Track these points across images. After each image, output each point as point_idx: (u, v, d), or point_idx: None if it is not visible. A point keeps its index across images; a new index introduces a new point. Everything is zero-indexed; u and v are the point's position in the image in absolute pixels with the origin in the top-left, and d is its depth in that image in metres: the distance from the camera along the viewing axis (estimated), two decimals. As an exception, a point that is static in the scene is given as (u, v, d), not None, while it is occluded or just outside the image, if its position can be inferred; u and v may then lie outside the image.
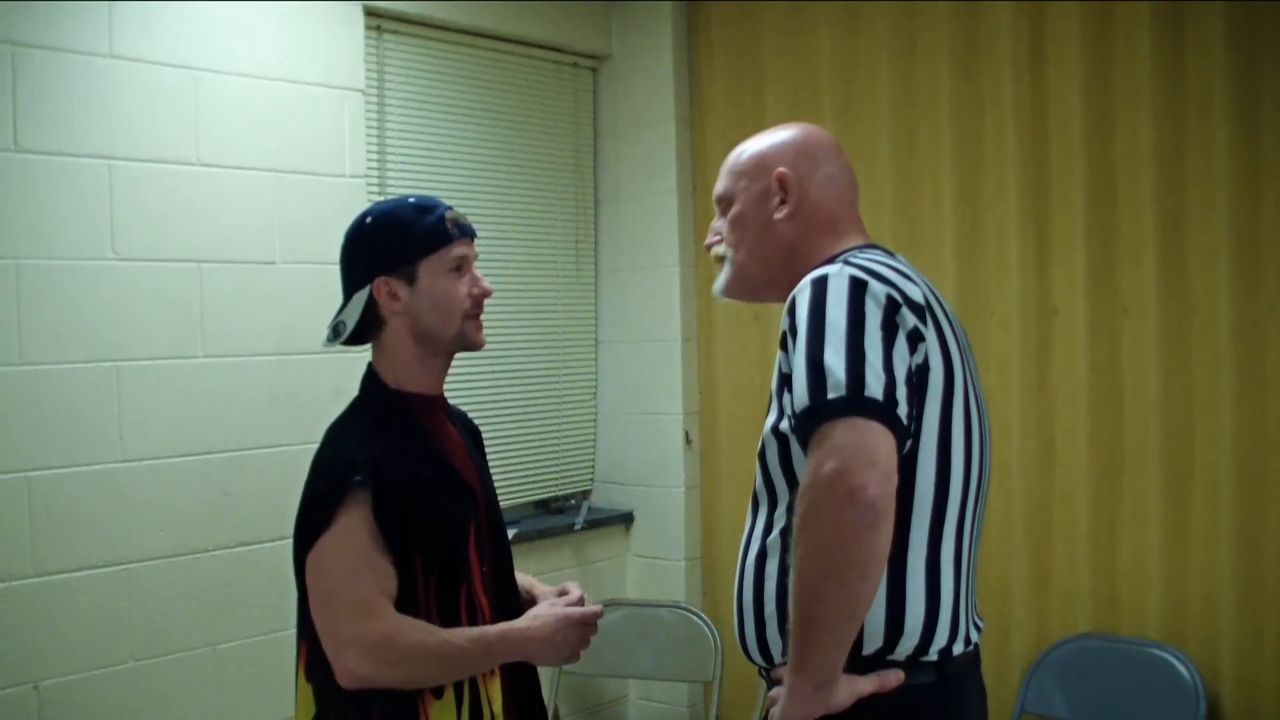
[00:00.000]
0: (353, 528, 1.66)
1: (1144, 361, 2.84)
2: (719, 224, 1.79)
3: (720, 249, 1.78)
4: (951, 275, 3.11)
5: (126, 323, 2.62)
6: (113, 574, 2.58)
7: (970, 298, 3.08)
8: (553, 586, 1.94)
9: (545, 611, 1.78)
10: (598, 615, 1.81)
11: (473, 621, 1.76)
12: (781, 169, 1.70)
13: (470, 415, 2.05)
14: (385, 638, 1.65)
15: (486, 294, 1.82)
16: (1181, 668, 2.75)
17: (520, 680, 1.87)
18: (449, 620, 1.74)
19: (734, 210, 1.75)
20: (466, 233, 1.80)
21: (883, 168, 3.24)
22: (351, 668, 1.65)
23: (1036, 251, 3.00)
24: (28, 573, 2.47)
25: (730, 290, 1.79)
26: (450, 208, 1.81)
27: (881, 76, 3.26)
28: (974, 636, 1.63)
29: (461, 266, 1.79)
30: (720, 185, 1.78)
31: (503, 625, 1.76)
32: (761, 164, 1.73)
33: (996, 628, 2.94)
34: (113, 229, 2.60)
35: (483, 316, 1.84)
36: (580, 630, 1.79)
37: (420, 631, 1.68)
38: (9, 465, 2.45)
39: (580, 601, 1.85)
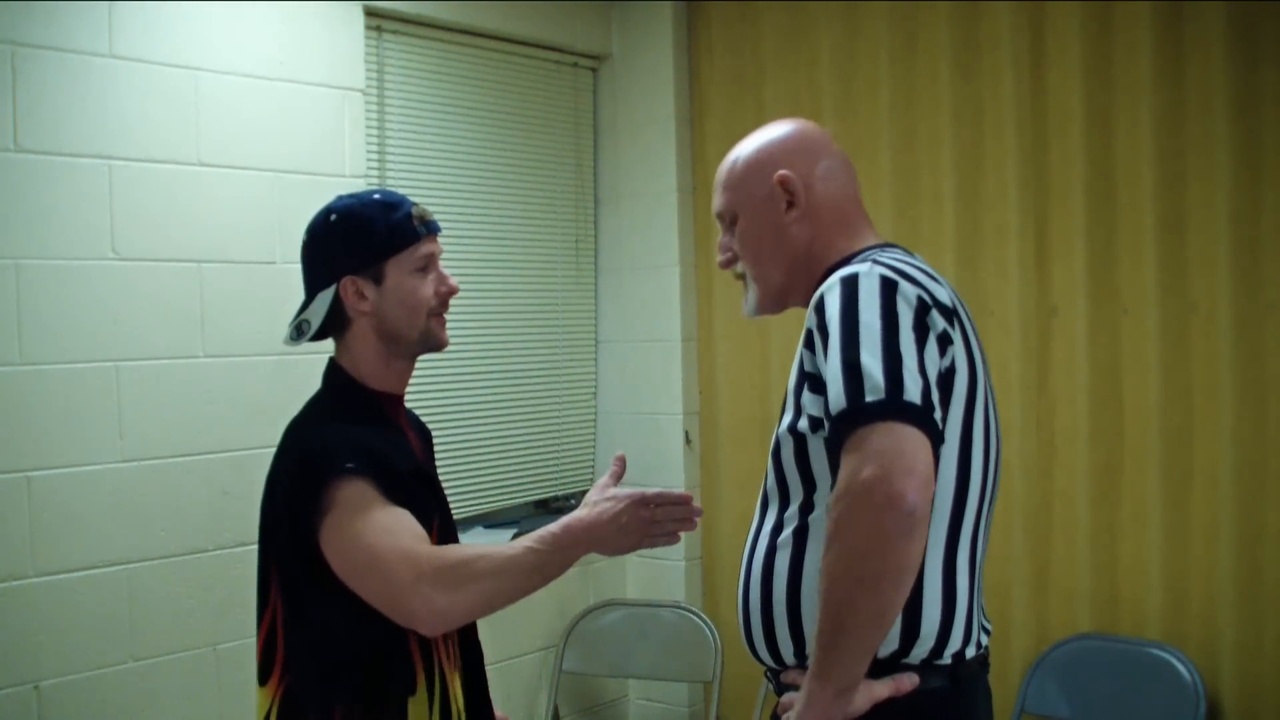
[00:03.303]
0: (357, 495, 1.61)
1: (1144, 361, 2.83)
2: (726, 240, 1.74)
3: (739, 267, 1.73)
4: (951, 275, 3.10)
5: (126, 323, 2.62)
6: (113, 574, 2.58)
7: (970, 297, 3.05)
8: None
9: (606, 495, 1.66)
10: (665, 499, 1.66)
11: None
12: (781, 171, 1.66)
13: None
14: (448, 564, 1.57)
15: (454, 291, 1.79)
16: (1181, 668, 2.75)
17: (471, 685, 1.82)
18: None
19: (741, 224, 1.70)
20: (433, 229, 1.77)
21: (883, 168, 3.24)
22: (427, 607, 1.56)
23: (1036, 251, 3.00)
24: (28, 573, 2.47)
25: (762, 308, 1.73)
26: (416, 204, 1.78)
27: (881, 76, 3.26)
28: (984, 640, 1.62)
29: (428, 265, 1.76)
30: (719, 201, 1.73)
31: (562, 520, 1.64)
32: (759, 170, 1.68)
33: (997, 628, 2.94)
34: (112, 229, 2.60)
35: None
36: (648, 511, 1.65)
37: (475, 548, 1.62)
38: (9, 465, 2.45)
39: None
